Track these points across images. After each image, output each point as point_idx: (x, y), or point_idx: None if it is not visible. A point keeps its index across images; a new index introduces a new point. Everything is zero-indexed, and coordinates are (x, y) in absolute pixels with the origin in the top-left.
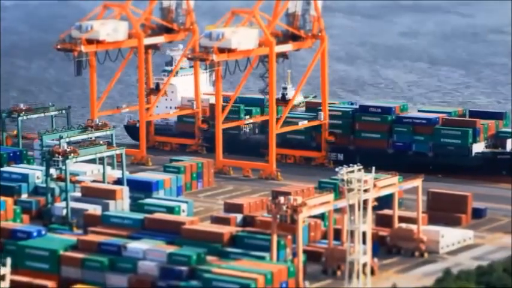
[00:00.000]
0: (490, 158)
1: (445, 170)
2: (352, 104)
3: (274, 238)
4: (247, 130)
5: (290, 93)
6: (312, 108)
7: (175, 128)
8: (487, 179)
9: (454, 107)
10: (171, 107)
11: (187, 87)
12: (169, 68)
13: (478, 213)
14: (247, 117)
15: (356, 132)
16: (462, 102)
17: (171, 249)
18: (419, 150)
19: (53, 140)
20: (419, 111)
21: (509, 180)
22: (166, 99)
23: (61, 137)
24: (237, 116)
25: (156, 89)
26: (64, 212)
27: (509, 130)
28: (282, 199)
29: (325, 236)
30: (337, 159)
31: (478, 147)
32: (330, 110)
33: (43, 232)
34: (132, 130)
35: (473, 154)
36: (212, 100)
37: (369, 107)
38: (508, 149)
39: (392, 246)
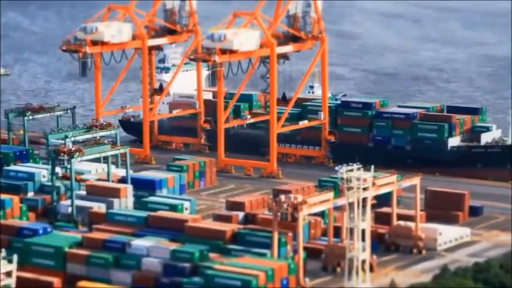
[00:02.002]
0: (466, 152)
1: (422, 163)
2: (336, 99)
3: (275, 235)
4: (235, 125)
5: (317, 92)
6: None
7: (167, 123)
8: (462, 172)
9: (433, 103)
10: (163, 103)
11: (179, 84)
12: (161, 65)
13: (475, 211)
14: (249, 117)
15: (338, 126)
16: None
17: (174, 246)
18: (398, 144)
19: (58, 139)
20: (398, 106)
21: (484, 173)
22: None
23: (66, 137)
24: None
25: (160, 89)
26: (69, 209)
27: (484, 125)
28: (282, 197)
29: (325, 233)
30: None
31: (454, 141)
32: (314, 105)
33: (49, 229)
34: (126, 125)
35: (449, 148)
36: (207, 96)
37: (350, 103)
38: (483, 142)
39: (391, 244)
